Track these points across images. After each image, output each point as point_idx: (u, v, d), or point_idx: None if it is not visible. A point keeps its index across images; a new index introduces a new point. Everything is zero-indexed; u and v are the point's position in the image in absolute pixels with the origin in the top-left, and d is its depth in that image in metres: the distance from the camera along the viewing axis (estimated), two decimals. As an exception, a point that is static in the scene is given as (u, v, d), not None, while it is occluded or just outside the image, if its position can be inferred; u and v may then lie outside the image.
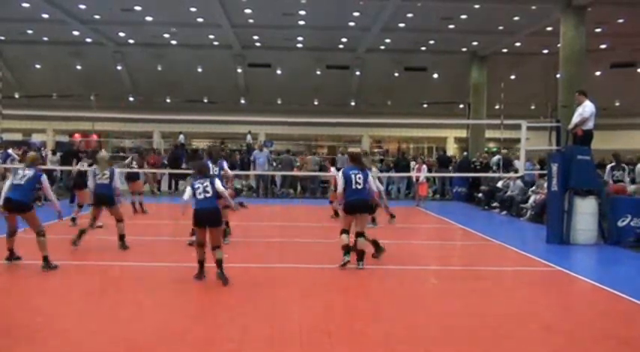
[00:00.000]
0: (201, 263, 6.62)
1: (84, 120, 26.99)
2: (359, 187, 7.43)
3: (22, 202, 7.13)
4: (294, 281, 6.86)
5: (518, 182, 14.76)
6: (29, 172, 7.29)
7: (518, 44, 27.15)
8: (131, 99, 33.59)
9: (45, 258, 7.04)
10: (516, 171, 15.03)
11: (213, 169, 8.55)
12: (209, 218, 6.52)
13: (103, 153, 9.42)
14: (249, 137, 27.44)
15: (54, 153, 20.36)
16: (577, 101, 10.43)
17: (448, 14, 22.32)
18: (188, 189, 6.74)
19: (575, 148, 10.14)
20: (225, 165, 9.30)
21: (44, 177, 7.50)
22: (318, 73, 31.62)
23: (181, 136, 26.07)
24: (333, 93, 32.60)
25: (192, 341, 4.62)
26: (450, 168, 20.55)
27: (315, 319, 5.27)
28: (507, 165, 17.10)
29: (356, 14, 22.79)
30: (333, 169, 14.09)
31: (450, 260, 9.08)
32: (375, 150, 32.58)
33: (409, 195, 19.31)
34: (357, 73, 31.89)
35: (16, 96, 30.48)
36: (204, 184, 6.58)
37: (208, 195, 6.55)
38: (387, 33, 25.39)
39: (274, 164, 20.18)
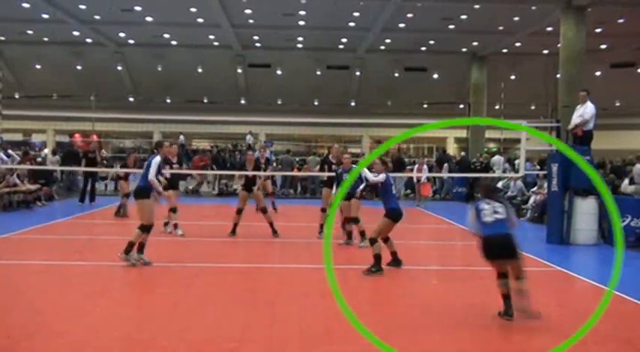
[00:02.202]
0: (506, 296, 5.42)
1: (84, 120, 27.03)
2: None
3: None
4: (294, 281, 6.85)
5: (519, 182, 14.75)
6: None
7: (518, 44, 27.14)
8: (131, 99, 33.60)
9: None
10: (516, 170, 15.02)
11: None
12: (501, 247, 5.29)
13: None
14: (249, 137, 27.44)
15: (54, 153, 20.37)
16: (581, 100, 10.37)
17: (448, 14, 22.33)
18: (471, 213, 5.53)
19: (575, 148, 10.14)
20: (153, 162, 7.50)
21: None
22: (318, 73, 31.61)
23: (181, 137, 26.04)
24: (333, 94, 32.57)
25: (192, 341, 4.61)
26: (446, 164, 20.59)
27: (315, 319, 5.27)
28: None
29: (356, 14, 22.79)
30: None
31: (450, 260, 9.08)
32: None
33: (410, 196, 19.31)
34: (357, 73, 31.88)
35: (16, 96, 30.48)
36: (494, 205, 5.43)
37: (500, 216, 5.36)
38: (387, 33, 25.39)
39: (274, 165, 20.17)
